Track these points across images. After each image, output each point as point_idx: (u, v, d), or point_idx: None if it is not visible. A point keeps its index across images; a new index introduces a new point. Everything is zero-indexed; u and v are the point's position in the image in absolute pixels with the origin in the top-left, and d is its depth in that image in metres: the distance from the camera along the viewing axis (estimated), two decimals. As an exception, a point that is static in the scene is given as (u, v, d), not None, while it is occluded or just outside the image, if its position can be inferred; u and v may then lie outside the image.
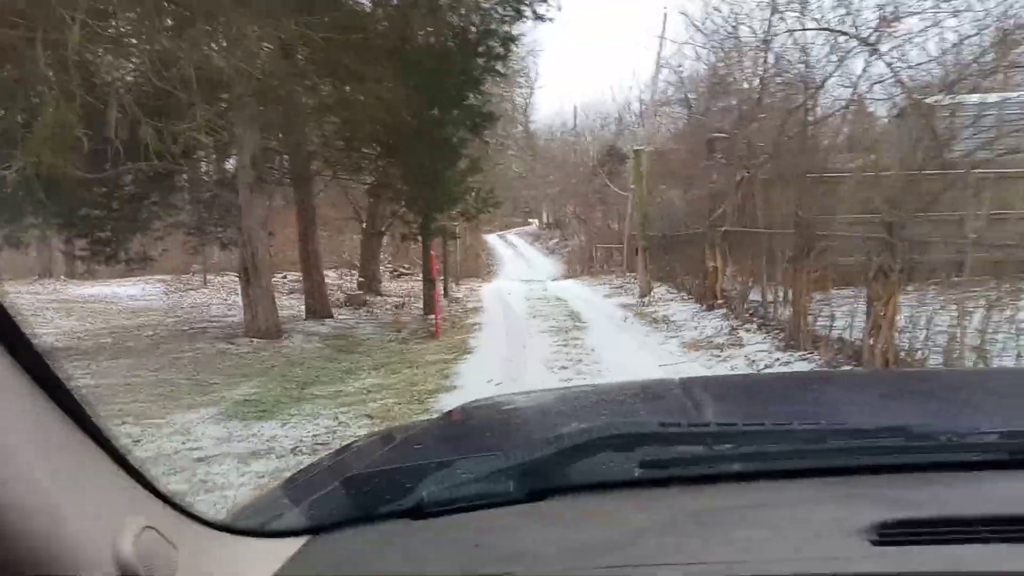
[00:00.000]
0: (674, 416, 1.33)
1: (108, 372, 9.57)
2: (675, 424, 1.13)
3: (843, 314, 7.55)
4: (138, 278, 23.64)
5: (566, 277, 30.05)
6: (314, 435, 6.17)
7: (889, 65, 6.80)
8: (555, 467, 1.01)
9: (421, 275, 19.01)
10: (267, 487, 3.22)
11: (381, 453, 1.37)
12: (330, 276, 22.85)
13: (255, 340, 11.09)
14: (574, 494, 0.99)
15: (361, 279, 17.27)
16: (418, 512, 0.97)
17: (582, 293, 18.10)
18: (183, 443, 6.20)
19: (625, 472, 0.99)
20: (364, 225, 17.30)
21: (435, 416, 1.87)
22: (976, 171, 5.95)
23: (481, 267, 30.83)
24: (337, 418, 6.74)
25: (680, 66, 30.06)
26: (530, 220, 55.32)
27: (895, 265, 6.14)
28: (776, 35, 9.78)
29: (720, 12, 11.17)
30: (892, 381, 2.02)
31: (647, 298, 14.98)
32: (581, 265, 30.56)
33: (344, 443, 1.93)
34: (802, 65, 8.76)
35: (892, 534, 0.82)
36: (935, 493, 0.93)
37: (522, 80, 42.43)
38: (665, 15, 23.38)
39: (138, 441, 6.24)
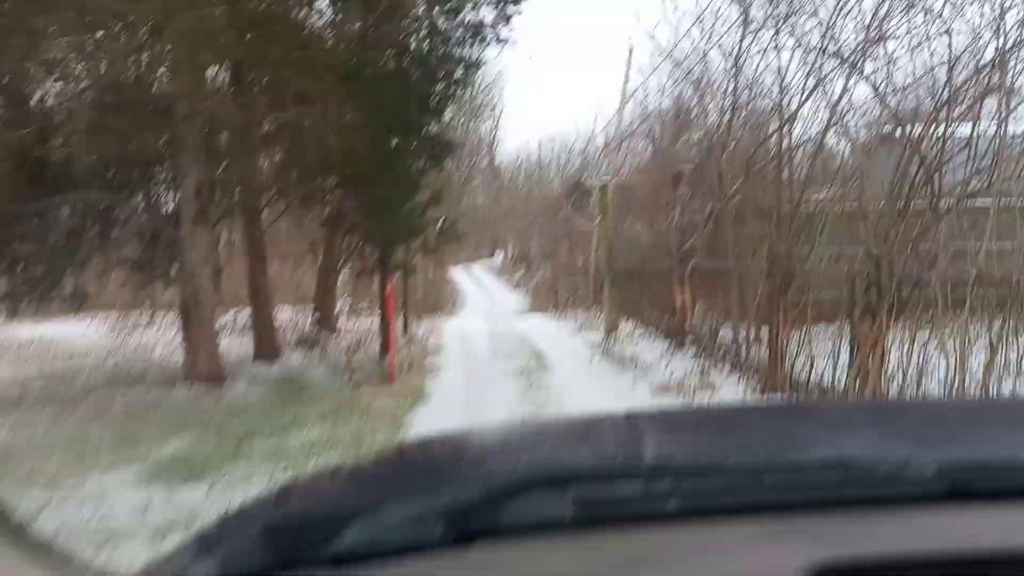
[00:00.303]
0: (612, 453, 1.27)
1: (29, 424, 8.72)
2: (609, 462, 1.12)
3: (824, 353, 7.04)
4: (84, 316, 22.60)
5: (532, 312, 29.48)
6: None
7: (875, 88, 6.37)
8: (484, 509, 0.96)
9: (404, 300, 18.33)
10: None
11: (308, 495, 1.31)
12: (286, 313, 22.01)
13: (195, 386, 10.28)
14: (505, 537, 0.93)
15: (316, 316, 16.47)
16: (338, 560, 0.92)
17: (547, 330, 17.51)
18: (92, 513, 5.46)
19: (557, 514, 0.94)
20: (320, 260, 16.53)
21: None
22: (970, 201, 5.52)
23: (444, 302, 30.12)
24: (273, 479, 6.02)
25: (645, 99, 30.11)
26: (495, 253, 54.95)
27: (883, 304, 5.63)
28: (748, 58, 9.36)
29: (689, 37, 10.76)
30: (832, 412, 1.95)
31: (614, 335, 14.44)
32: (547, 299, 30.03)
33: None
34: (775, 89, 8.35)
35: (830, 573, 0.80)
36: (873, 529, 0.90)
37: (487, 112, 42.24)
38: (631, 49, 23.00)
39: (42, 510, 5.49)
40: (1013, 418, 1.51)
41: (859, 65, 6.31)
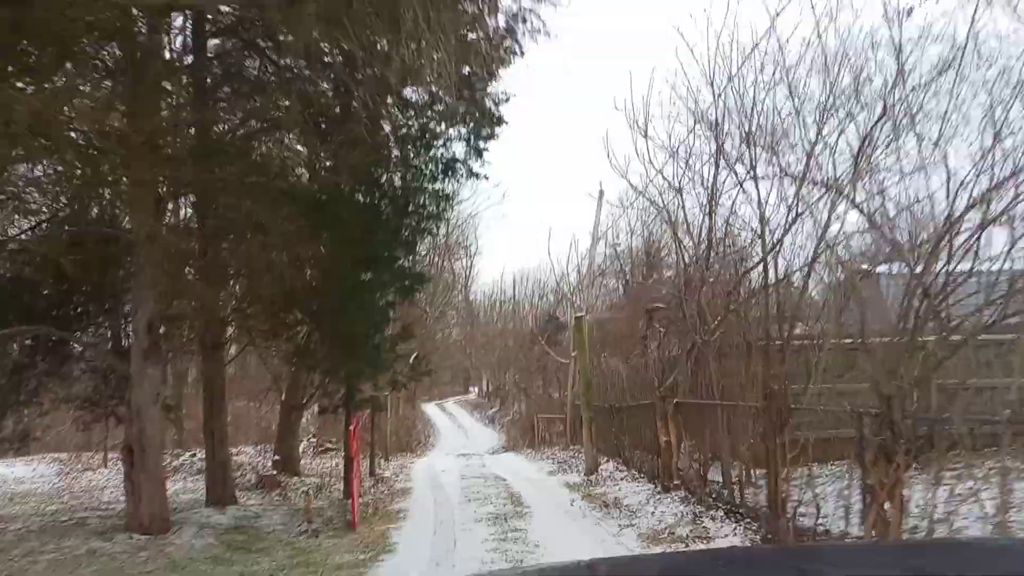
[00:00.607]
0: None
1: (-61, 582, 7.67)
2: None
3: (830, 497, 6.37)
4: (32, 457, 21.25)
5: (506, 450, 28.36)
6: None
7: (868, 216, 6.05)
8: None
9: (371, 440, 17.34)
10: None
11: None
12: (247, 453, 20.82)
13: (136, 536, 9.25)
14: None
15: (277, 457, 15.45)
16: None
17: (524, 469, 16.57)
18: None
19: None
20: (283, 397, 15.70)
21: None
22: (982, 335, 5.10)
23: (415, 439, 28.97)
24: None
25: (617, 240, 30.42)
26: (470, 388, 54.01)
27: (899, 446, 5.04)
28: (723, 191, 9.17)
29: (661, 174, 10.67)
30: (801, 557, 1.82)
31: (595, 475, 13.59)
32: (522, 436, 29.00)
33: None
34: (755, 220, 8.09)
35: None
36: None
37: (462, 250, 42.52)
38: (600, 192, 23.42)
39: None
40: (988, 560, 1.37)
41: (847, 193, 6.06)
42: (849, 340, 6.66)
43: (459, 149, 10.18)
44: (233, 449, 21.74)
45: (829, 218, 6.63)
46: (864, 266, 6.79)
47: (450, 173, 9.48)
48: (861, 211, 6.20)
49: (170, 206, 10.77)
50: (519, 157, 38.43)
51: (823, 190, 6.42)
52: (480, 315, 47.93)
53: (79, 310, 12.24)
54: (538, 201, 77.77)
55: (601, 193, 24.32)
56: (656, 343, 21.07)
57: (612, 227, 30.17)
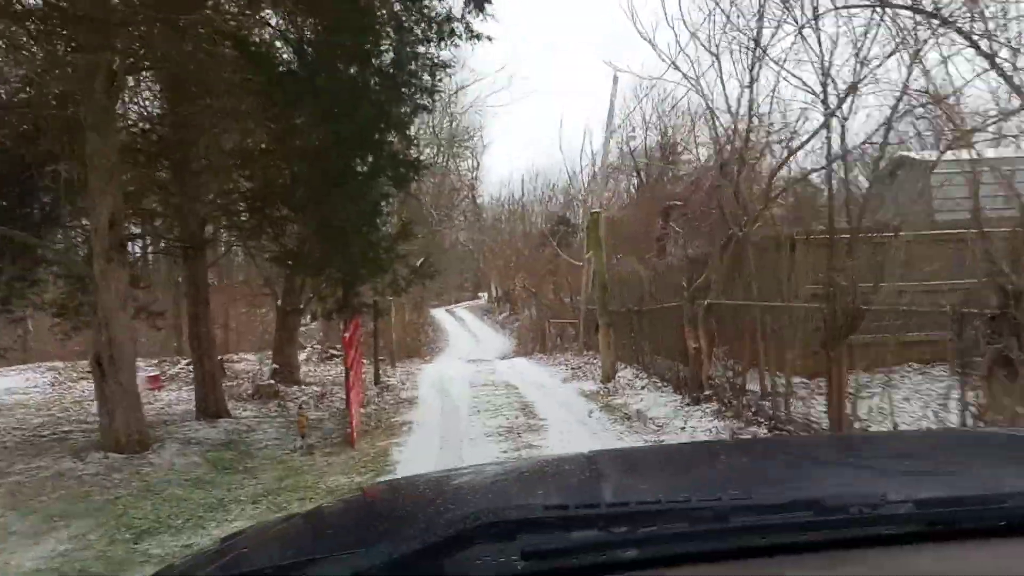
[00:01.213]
0: (566, 497, 1.19)
1: None
2: (561, 507, 1.02)
3: (915, 416, 5.28)
4: (27, 366, 20.54)
5: (517, 355, 27.62)
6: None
7: (991, 60, 4.68)
8: (422, 564, 0.88)
9: (374, 346, 16.46)
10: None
11: (243, 552, 1.23)
12: (248, 361, 20.05)
13: (111, 456, 8.36)
14: None
15: (275, 366, 14.56)
16: None
17: (536, 376, 15.67)
18: None
19: (504, 566, 0.86)
20: (279, 301, 14.67)
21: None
22: None
23: (423, 345, 28.22)
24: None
25: (632, 132, 28.74)
26: (479, 294, 53.24)
27: (1026, 355, 3.88)
28: (772, 46, 7.72)
29: (696, 42, 9.22)
30: (803, 447, 1.86)
31: (612, 383, 12.64)
32: (533, 342, 28.21)
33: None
34: (815, 84, 6.71)
35: None
36: (848, 573, 0.86)
37: (466, 149, 40.82)
38: (616, 78, 21.68)
39: None
40: (987, 450, 1.41)
41: (955, 21, 4.67)
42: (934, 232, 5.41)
43: (457, 3, 8.64)
44: (234, 356, 20.97)
45: (912, 62, 5.25)
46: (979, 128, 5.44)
47: (446, 33, 8.01)
48: (979, 49, 4.82)
49: (131, 83, 9.41)
50: (528, 47, 36.19)
51: (916, 22, 5.02)
52: (488, 218, 46.57)
53: (47, 211, 11.12)
54: (548, 96, 74.94)
55: (616, 79, 22.64)
56: (675, 242, 19.82)
57: (626, 122, 28.51)
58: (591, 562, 0.87)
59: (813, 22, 6.36)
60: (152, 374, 16.15)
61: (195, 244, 10.97)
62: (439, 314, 45.04)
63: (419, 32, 8.03)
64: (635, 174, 30.30)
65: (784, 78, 8.15)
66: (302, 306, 14.83)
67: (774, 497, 1.03)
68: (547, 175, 42.74)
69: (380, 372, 16.03)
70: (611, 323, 13.16)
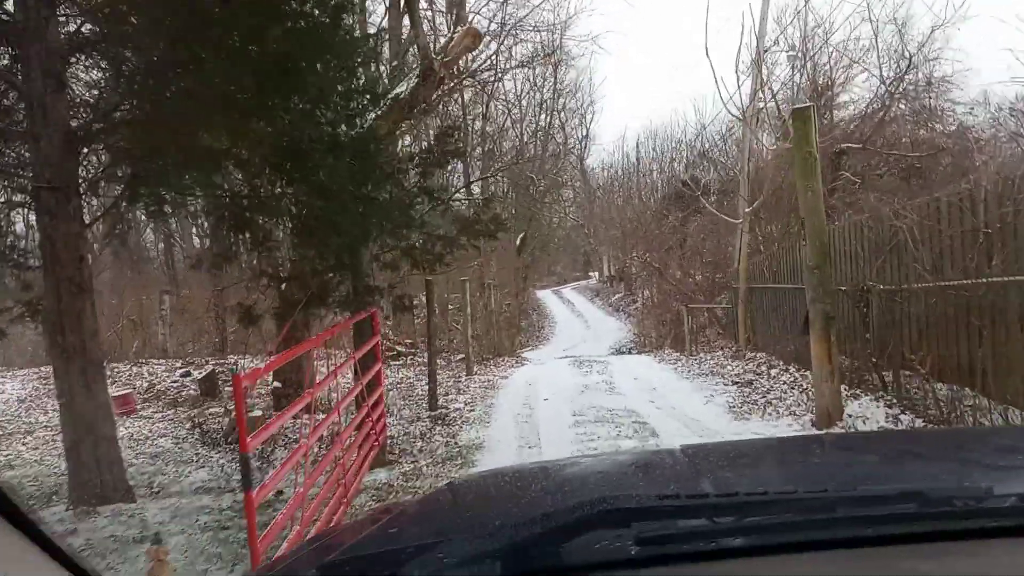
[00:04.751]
0: (673, 487, 1.20)
1: None
2: (673, 496, 1.03)
3: None
4: (9, 372, 16.16)
5: (638, 348, 21.37)
6: None
7: None
8: (544, 548, 0.89)
9: (427, 352, 10.84)
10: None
11: (364, 536, 1.24)
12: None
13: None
14: None
15: (278, 384, 9.09)
16: None
17: (680, 400, 9.51)
18: None
19: (620, 551, 0.88)
20: (282, 287, 9.00)
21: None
22: None
23: (519, 334, 22.32)
24: None
25: (792, 49, 21.67)
26: (590, 273, 47.28)
27: None
28: None
29: None
30: (901, 442, 1.78)
31: (839, 428, 6.44)
32: (657, 330, 21.90)
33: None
34: None
35: None
36: (953, 565, 0.84)
37: (572, 112, 34.65)
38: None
39: None
40: None
41: None
42: None
43: None
44: (241, 358, 15.61)
45: None
46: None
47: None
48: None
49: None
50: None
51: None
52: (599, 185, 40.24)
53: None
54: (662, 55, 67.11)
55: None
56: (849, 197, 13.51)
57: (765, 58, 21.35)
58: (701, 549, 0.87)
59: None
60: (122, 392, 11.08)
61: (59, 185, 5.48)
62: (545, 296, 39.30)
63: None
64: (775, 118, 23.27)
65: None
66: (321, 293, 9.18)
67: (879, 489, 0.99)
68: (667, 133, 36.08)
69: (439, 388, 10.31)
70: (834, 316, 6.86)
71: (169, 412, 10.36)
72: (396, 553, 0.98)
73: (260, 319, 6.00)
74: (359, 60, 5.11)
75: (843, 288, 7.72)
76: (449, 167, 19.47)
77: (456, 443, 7.90)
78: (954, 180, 15.74)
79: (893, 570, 0.84)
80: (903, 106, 20.83)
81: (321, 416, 5.62)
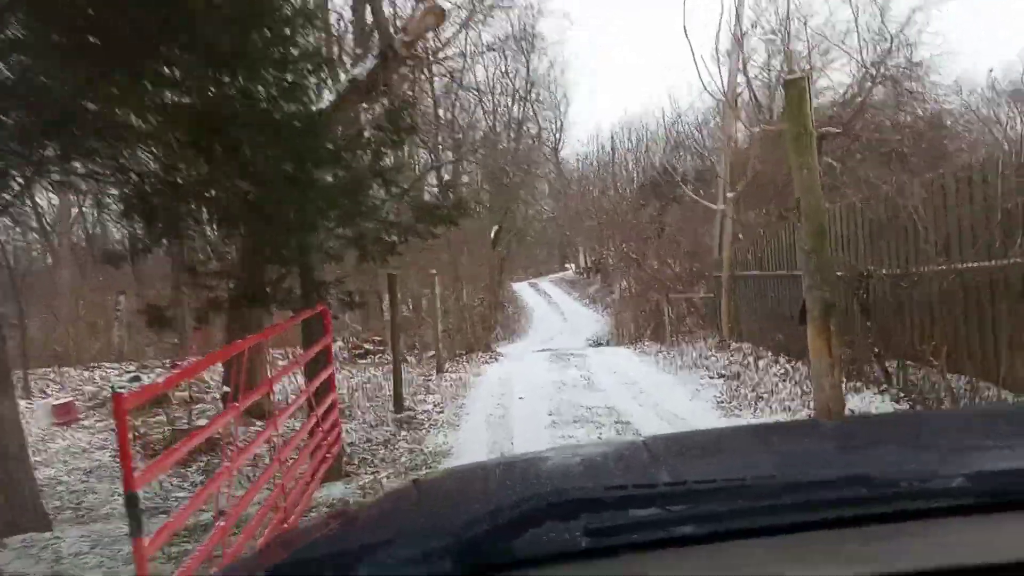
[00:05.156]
0: (626, 477, 1.20)
1: None
2: (621, 487, 1.02)
3: None
4: None
5: (617, 340, 20.77)
6: None
7: None
8: (493, 542, 0.88)
9: (392, 351, 10.06)
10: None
11: (316, 537, 1.22)
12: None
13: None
14: (516, 570, 0.85)
15: (227, 389, 8.27)
16: None
17: (660, 392, 8.88)
18: None
19: (569, 543, 0.86)
20: (214, 284, 7.97)
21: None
22: None
23: (494, 328, 21.64)
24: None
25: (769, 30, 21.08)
26: (566, 265, 46.68)
27: None
28: None
29: None
30: (851, 428, 1.80)
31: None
32: (635, 321, 21.30)
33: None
34: None
35: None
36: (901, 546, 0.84)
37: (547, 97, 33.95)
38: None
39: None
40: None
41: None
42: None
43: None
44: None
45: None
46: None
47: None
48: None
49: None
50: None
51: None
52: (574, 177, 39.59)
53: None
54: (635, 46, 66.56)
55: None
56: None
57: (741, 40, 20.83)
58: (651, 538, 0.88)
59: None
60: (63, 401, 10.21)
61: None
62: (522, 289, 38.63)
63: None
64: (754, 103, 22.71)
65: None
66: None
67: (827, 474, 1.00)
68: (641, 125, 35.41)
69: (404, 389, 9.56)
70: (834, 303, 6.22)
71: (113, 421, 9.53)
72: (345, 555, 0.97)
73: (171, 321, 5.21)
74: (293, 22, 4.34)
75: (839, 274, 7.10)
76: (411, 156, 18.63)
77: (422, 450, 7.19)
78: (938, 163, 15.35)
79: (841, 554, 0.82)
80: (882, 90, 20.43)
81: (261, 426, 4.88)
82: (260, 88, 4.22)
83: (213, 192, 4.22)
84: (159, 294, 18.98)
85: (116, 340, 17.01)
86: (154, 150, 4.18)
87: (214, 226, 4.46)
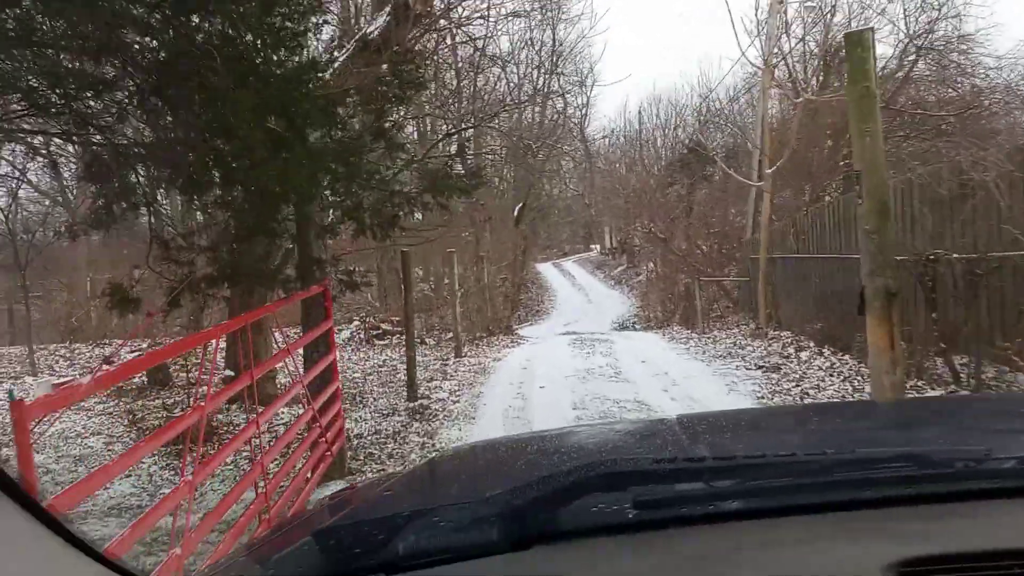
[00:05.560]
0: (670, 452, 1.18)
1: None
2: (670, 460, 0.99)
3: None
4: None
5: (643, 325, 20.03)
6: None
7: None
8: (540, 512, 0.88)
9: (405, 335, 9.45)
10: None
11: (359, 504, 1.22)
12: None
13: None
14: (562, 541, 0.85)
15: (231, 372, 7.74)
16: (393, 567, 0.85)
17: (694, 384, 8.17)
18: None
19: (617, 515, 0.86)
20: (193, 259, 7.25)
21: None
22: None
23: (516, 311, 21.01)
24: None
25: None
26: (591, 246, 45.83)
27: None
28: None
29: None
30: (900, 409, 1.80)
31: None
32: (663, 304, 20.54)
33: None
34: None
35: (909, 572, 0.74)
36: (952, 526, 0.83)
37: (573, 70, 32.92)
38: None
39: None
40: None
41: None
42: None
43: None
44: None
45: None
46: None
47: None
48: None
49: None
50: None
51: None
52: (600, 154, 38.62)
53: None
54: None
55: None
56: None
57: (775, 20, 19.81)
58: (698, 512, 0.86)
59: None
60: (63, 381, 9.72)
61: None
62: (546, 269, 37.93)
63: None
64: (787, 80, 21.65)
65: None
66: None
67: (877, 452, 0.97)
68: (672, 99, 34.36)
69: (420, 374, 8.95)
70: (896, 291, 5.47)
71: (112, 403, 9.03)
72: (392, 519, 0.94)
73: (138, 303, 4.60)
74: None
75: (899, 257, 6.34)
76: (432, 129, 17.89)
77: (434, 445, 6.58)
78: (986, 141, 14.31)
79: (891, 531, 0.81)
80: (925, 64, 19.32)
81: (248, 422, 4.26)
82: (238, 32, 3.57)
83: (177, 151, 3.59)
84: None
85: (132, 316, 16.62)
86: (111, 100, 3.54)
87: (181, 193, 3.82)
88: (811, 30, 18.35)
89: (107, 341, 14.68)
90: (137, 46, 3.35)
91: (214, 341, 3.46)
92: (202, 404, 3.33)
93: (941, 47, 18.28)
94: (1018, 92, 19.29)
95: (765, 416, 1.68)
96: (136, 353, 12.24)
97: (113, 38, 3.20)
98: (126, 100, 3.52)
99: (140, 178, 3.60)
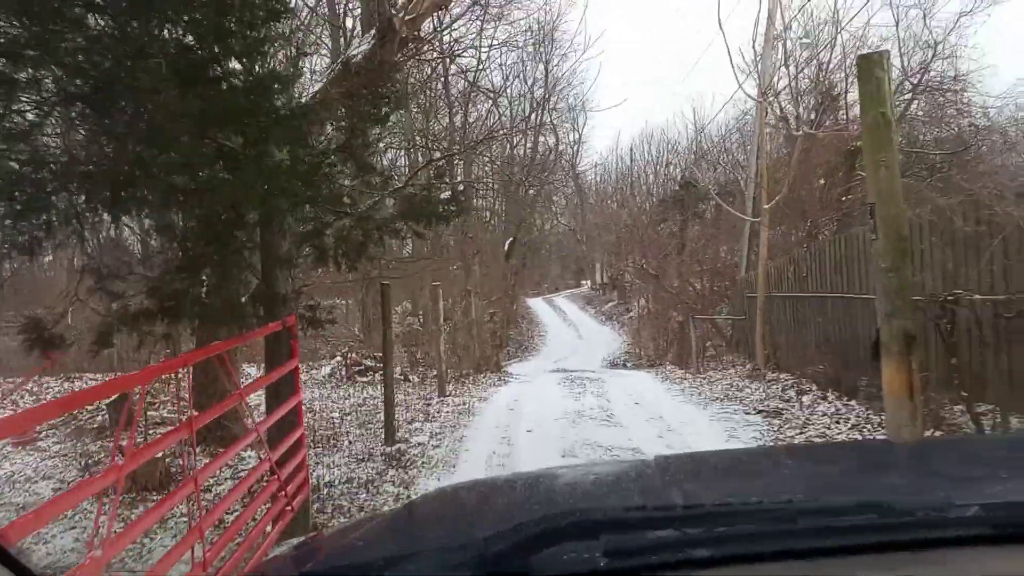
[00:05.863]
0: (643, 498, 1.18)
1: None
2: (640, 508, 1.04)
3: None
4: None
5: (635, 363, 19.52)
6: None
7: None
8: (514, 559, 0.88)
9: (383, 374, 8.87)
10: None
11: (329, 552, 1.22)
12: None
13: None
14: None
15: (195, 413, 7.23)
16: None
17: (691, 430, 7.65)
18: None
19: (588, 563, 0.86)
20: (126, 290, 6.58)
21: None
22: None
23: (498, 350, 20.44)
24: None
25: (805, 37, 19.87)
26: (582, 281, 45.52)
27: None
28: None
29: None
30: (865, 453, 1.76)
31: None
32: (655, 341, 20.05)
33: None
34: None
35: None
36: (916, 573, 0.84)
37: (565, 106, 32.85)
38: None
39: None
40: None
41: None
42: None
43: None
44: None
45: None
46: None
47: None
48: None
49: None
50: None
51: None
52: (591, 191, 38.47)
53: None
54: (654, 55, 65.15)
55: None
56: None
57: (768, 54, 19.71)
58: (669, 560, 0.86)
59: None
60: (18, 416, 9.13)
61: None
62: (536, 304, 37.47)
63: None
64: (780, 118, 21.49)
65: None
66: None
67: (841, 500, 0.98)
68: (664, 135, 34.26)
69: (401, 415, 8.40)
70: (915, 335, 5.01)
71: (69, 444, 8.42)
72: (368, 566, 0.95)
73: (59, 341, 4.06)
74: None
75: (914, 298, 5.89)
76: (419, 159, 17.49)
77: (408, 496, 6.03)
78: (981, 179, 14.02)
79: None
80: (919, 103, 19.19)
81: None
82: (185, 34, 3.12)
83: (98, 162, 3.09)
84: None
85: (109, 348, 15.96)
86: (29, 101, 3.04)
87: (106, 212, 3.34)
88: (804, 67, 18.19)
89: (77, 375, 14.04)
90: (65, 45, 2.89)
91: (140, 387, 2.94)
92: (120, 463, 2.81)
93: (936, 87, 18.14)
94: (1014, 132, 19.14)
95: (736, 459, 1.66)
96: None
97: (35, 35, 2.74)
98: (44, 104, 3.05)
99: (56, 195, 3.12)
